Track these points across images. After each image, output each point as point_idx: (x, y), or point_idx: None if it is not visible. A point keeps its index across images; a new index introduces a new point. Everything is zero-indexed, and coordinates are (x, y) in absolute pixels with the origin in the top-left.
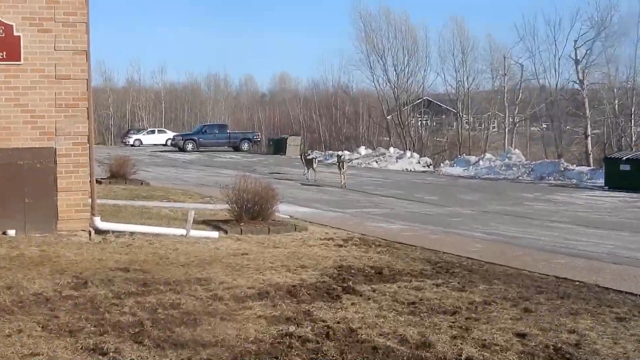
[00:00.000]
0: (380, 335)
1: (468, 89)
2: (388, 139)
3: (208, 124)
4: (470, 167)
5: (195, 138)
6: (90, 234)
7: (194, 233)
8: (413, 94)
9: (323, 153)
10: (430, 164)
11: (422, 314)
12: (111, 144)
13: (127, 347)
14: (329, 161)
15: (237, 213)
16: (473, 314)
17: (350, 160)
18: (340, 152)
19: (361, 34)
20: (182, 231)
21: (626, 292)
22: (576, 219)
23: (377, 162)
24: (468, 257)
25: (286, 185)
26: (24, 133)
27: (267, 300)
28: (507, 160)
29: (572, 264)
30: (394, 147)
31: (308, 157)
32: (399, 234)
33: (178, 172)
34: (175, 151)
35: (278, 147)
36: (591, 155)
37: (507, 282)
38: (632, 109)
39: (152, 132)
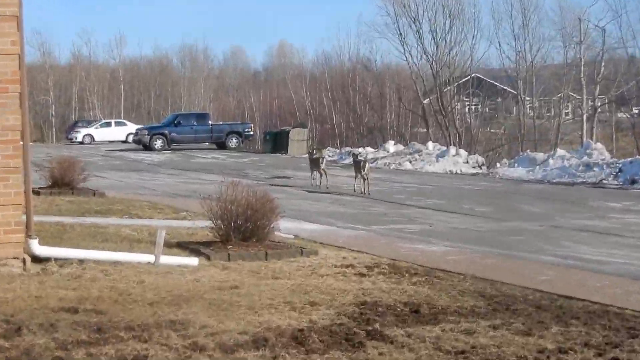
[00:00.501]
0: None
1: (532, 62)
2: (425, 130)
3: (183, 113)
4: (537, 167)
5: (166, 132)
6: (25, 263)
7: (166, 260)
8: (458, 70)
9: (337, 151)
10: (483, 164)
11: None
12: (53, 142)
13: None
14: (346, 161)
15: (223, 232)
16: None
17: (375, 159)
18: (356, 150)
19: None
20: (150, 257)
21: None
22: None
23: (410, 162)
24: (535, 289)
25: (289, 195)
26: None
27: (265, 349)
28: (585, 157)
29: None
30: (433, 142)
31: (314, 156)
32: (441, 259)
33: (143, 178)
34: (140, 150)
35: (277, 143)
36: None
37: (588, 323)
38: None
39: (108, 124)
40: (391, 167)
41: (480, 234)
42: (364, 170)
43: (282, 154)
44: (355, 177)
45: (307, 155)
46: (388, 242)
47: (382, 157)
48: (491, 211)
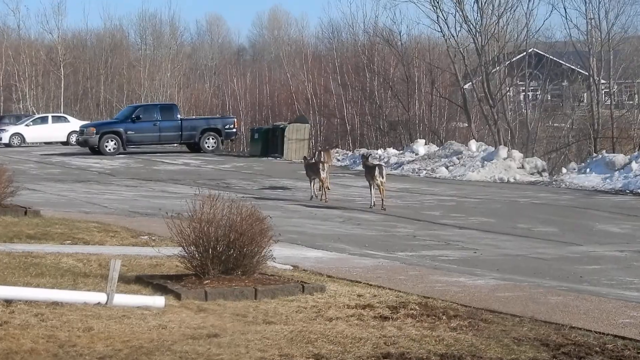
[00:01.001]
0: None
1: (608, 33)
2: (467, 125)
3: (143, 104)
4: (615, 173)
5: (121, 130)
6: None
7: (122, 299)
8: (510, 45)
9: (349, 153)
10: (543, 170)
11: None
12: None
13: None
14: (360, 167)
15: (198, 263)
16: None
17: (400, 164)
18: (365, 151)
19: None
20: (101, 297)
21: None
22: None
23: (447, 167)
24: (615, 335)
25: (286, 212)
26: None
27: None
28: None
29: None
30: (477, 141)
31: (310, 161)
32: (490, 296)
33: (91, 191)
34: (86, 154)
35: (270, 143)
36: None
37: None
38: None
39: (43, 120)
40: (421, 175)
41: (542, 262)
42: (378, 178)
43: (275, 157)
44: (371, 187)
45: (303, 160)
46: (418, 274)
47: (410, 162)
48: (555, 232)
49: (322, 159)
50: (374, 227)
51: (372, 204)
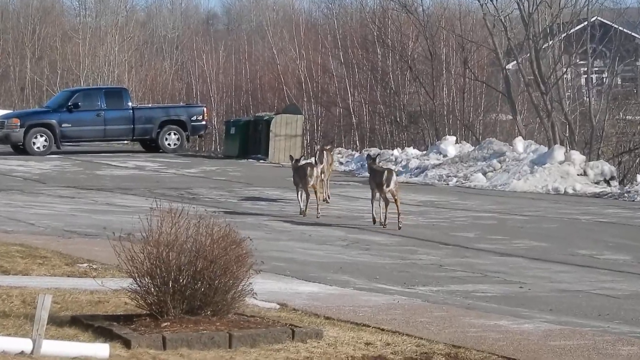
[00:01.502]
0: None
1: None
2: (511, 117)
3: (83, 88)
4: None
5: (54, 122)
6: None
7: (52, 347)
8: (566, 12)
9: (356, 154)
10: (612, 177)
11: None
12: None
13: None
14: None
15: (154, 299)
16: None
17: (422, 169)
18: (372, 150)
19: None
20: (25, 343)
21: None
22: None
23: (485, 172)
24: None
25: (272, 232)
26: None
27: None
28: None
29: None
30: (524, 139)
31: (299, 164)
32: (541, 346)
33: (13, 203)
34: (7, 153)
35: (250, 140)
36: None
37: None
38: None
39: None
40: (451, 183)
41: (609, 300)
42: (387, 186)
43: (258, 159)
44: (372, 198)
45: (290, 161)
46: (446, 315)
47: (436, 166)
48: (628, 261)
49: (317, 160)
50: (387, 253)
51: (374, 219)
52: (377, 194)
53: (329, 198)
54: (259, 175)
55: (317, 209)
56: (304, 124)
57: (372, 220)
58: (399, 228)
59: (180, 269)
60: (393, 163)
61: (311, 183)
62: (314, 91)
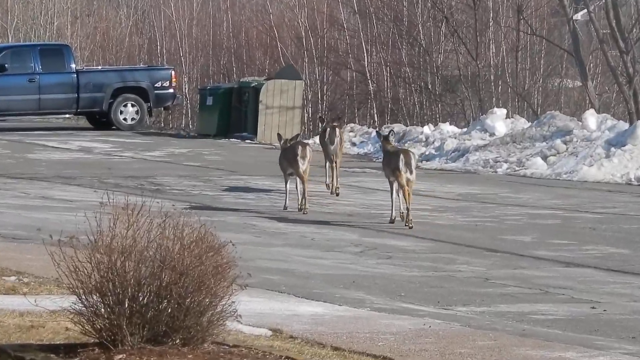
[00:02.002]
0: None
1: None
2: (581, 85)
3: (10, 45)
4: None
5: None
6: None
7: None
8: None
9: (371, 132)
10: None
11: None
12: None
13: None
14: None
15: (105, 323)
16: None
17: (462, 152)
18: (385, 129)
19: None
20: None
21: None
22: None
23: (545, 156)
24: None
25: (262, 234)
26: None
27: None
28: None
29: None
30: (597, 113)
31: (288, 145)
32: None
33: None
34: None
35: (232, 114)
36: None
37: None
38: None
39: None
40: (500, 170)
41: None
42: (407, 171)
43: (243, 139)
44: (391, 189)
45: (279, 142)
46: (493, 345)
47: (480, 147)
48: None
49: (328, 139)
50: (415, 263)
51: (392, 218)
52: (396, 180)
53: (337, 190)
54: (245, 160)
55: (301, 202)
56: (304, 92)
57: (391, 217)
58: (409, 227)
59: (140, 283)
60: (423, 144)
61: (303, 167)
62: (317, 49)
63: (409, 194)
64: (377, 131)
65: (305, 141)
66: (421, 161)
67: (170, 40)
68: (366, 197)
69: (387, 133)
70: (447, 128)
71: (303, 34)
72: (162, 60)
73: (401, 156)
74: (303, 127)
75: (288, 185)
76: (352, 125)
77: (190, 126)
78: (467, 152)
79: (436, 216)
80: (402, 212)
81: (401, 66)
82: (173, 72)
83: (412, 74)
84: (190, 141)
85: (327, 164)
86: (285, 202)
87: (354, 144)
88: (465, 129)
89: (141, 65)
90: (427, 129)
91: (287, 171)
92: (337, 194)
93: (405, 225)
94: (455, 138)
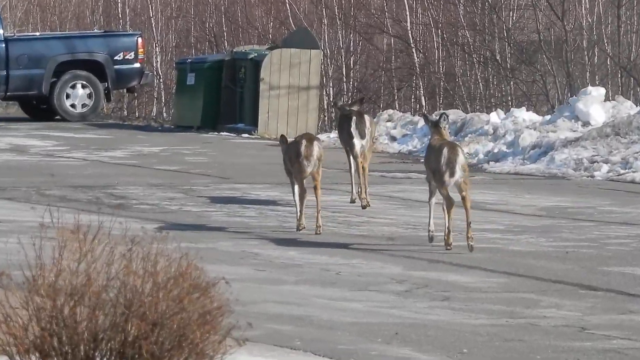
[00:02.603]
0: None
1: None
2: None
3: None
4: None
5: None
6: None
7: None
8: None
9: (416, 122)
10: None
11: None
12: None
13: None
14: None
15: None
16: None
17: (544, 148)
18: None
19: None
20: None
21: None
22: None
23: None
24: None
25: (267, 266)
26: None
27: None
28: None
29: None
30: None
31: (291, 143)
32: None
33: None
34: None
35: (221, 98)
36: None
37: None
38: None
39: None
40: (598, 173)
41: None
42: (449, 174)
43: (238, 132)
44: (430, 195)
45: (281, 146)
46: None
47: (569, 142)
48: None
49: (355, 130)
50: (481, 306)
51: (429, 237)
52: (441, 183)
53: (365, 201)
54: (241, 161)
55: (317, 219)
56: (322, 66)
57: (427, 235)
58: (471, 249)
59: (97, 338)
60: (490, 138)
61: (309, 169)
62: (341, 6)
63: (465, 200)
64: (424, 114)
65: (318, 136)
66: (487, 162)
67: (137, 3)
68: (412, 214)
69: (436, 119)
70: (524, 115)
71: None
72: (125, 24)
73: (444, 152)
74: (322, 115)
75: (295, 193)
76: (391, 112)
77: (165, 115)
78: (551, 148)
79: (510, 240)
80: (447, 229)
81: (458, 29)
82: (140, 40)
83: (473, 40)
84: (165, 136)
85: (352, 167)
86: (299, 220)
87: (393, 139)
88: (548, 117)
89: (95, 31)
90: (495, 117)
91: (292, 174)
92: (364, 206)
93: (469, 246)
94: (534, 129)
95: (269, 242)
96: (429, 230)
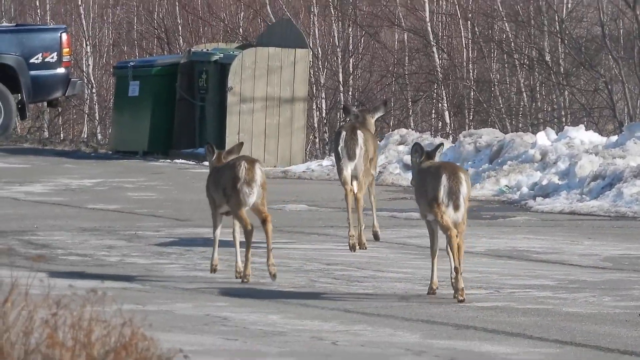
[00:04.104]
0: None
1: None
2: None
3: None
4: None
5: None
6: None
7: None
8: None
9: (445, 142)
10: None
11: None
12: None
13: None
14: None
15: None
16: None
17: (608, 180)
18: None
19: None
20: None
21: None
22: None
23: None
24: None
25: (239, 334)
26: None
27: None
28: None
29: None
30: None
31: (224, 160)
32: None
33: None
34: None
35: (175, 114)
36: None
37: None
38: None
39: None
40: None
41: None
42: (447, 205)
43: (198, 158)
44: (431, 237)
45: (208, 157)
46: None
47: None
48: None
49: (343, 149)
50: None
51: (432, 289)
52: (430, 222)
53: (363, 243)
54: (202, 197)
55: (246, 266)
56: (311, 69)
57: (429, 286)
58: (459, 299)
59: None
60: (537, 166)
61: (251, 200)
62: None
63: (458, 245)
64: (416, 144)
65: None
66: (533, 197)
67: None
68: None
69: (431, 150)
70: (582, 135)
71: None
72: (44, 15)
73: (442, 179)
74: (312, 137)
75: (215, 232)
76: (404, 132)
77: (100, 137)
78: (619, 179)
79: (564, 299)
80: (452, 275)
81: (494, 21)
82: (65, 36)
83: (515, 36)
84: (100, 165)
85: (347, 195)
86: (213, 259)
87: (406, 167)
88: (615, 137)
89: (4, 24)
90: (543, 138)
91: (219, 207)
92: (353, 246)
93: (454, 297)
94: (596, 154)
95: (242, 302)
96: (431, 282)
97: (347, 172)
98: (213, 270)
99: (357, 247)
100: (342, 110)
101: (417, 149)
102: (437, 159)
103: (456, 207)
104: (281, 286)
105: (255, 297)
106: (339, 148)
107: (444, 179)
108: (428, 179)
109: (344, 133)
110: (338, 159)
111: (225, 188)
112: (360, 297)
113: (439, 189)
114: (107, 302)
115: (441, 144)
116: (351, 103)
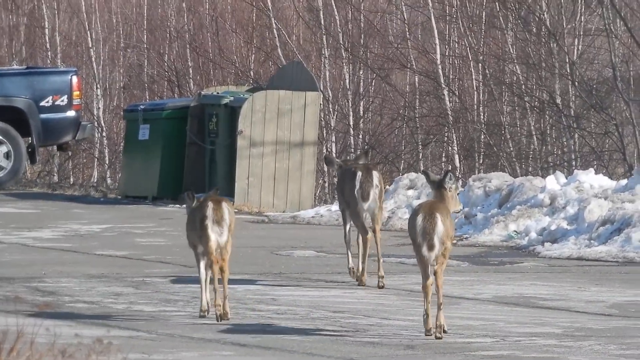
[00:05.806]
0: None
1: None
2: None
3: None
4: None
5: None
6: None
7: None
8: None
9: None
10: None
11: None
12: None
13: None
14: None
15: None
16: None
17: (618, 224)
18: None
19: None
20: None
21: None
22: None
23: None
24: None
25: None
26: None
27: None
28: None
29: None
30: None
31: (197, 206)
32: None
33: None
34: None
35: (186, 159)
36: None
37: None
38: None
39: None
40: None
41: None
42: (426, 246)
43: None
44: (423, 277)
45: (187, 203)
46: None
47: None
48: None
49: (359, 191)
50: None
51: (427, 331)
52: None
53: (363, 278)
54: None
55: (223, 305)
56: (322, 112)
57: (425, 329)
58: (436, 336)
59: None
60: (545, 211)
61: (215, 238)
62: (347, 33)
63: (437, 276)
64: (424, 172)
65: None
66: (541, 242)
67: (71, 19)
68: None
69: (439, 178)
70: (591, 179)
71: (320, 2)
72: (55, 57)
73: (420, 216)
74: (322, 181)
75: (204, 276)
76: (413, 175)
77: (110, 181)
78: (628, 224)
79: (569, 347)
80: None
81: (505, 63)
82: (75, 79)
83: (525, 78)
84: (109, 210)
85: (359, 236)
86: (203, 304)
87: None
88: (624, 181)
89: (15, 66)
90: (552, 182)
91: (197, 248)
92: (359, 280)
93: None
94: (605, 198)
95: (248, 351)
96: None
97: (362, 213)
98: (202, 315)
99: (352, 271)
100: (323, 161)
101: (427, 177)
102: (447, 186)
103: (433, 246)
104: (287, 334)
105: (260, 347)
106: (355, 191)
107: (420, 216)
108: (415, 216)
109: (359, 174)
110: (354, 200)
111: (196, 227)
112: (366, 346)
113: (416, 227)
114: (112, 352)
115: (448, 171)
116: (351, 154)
